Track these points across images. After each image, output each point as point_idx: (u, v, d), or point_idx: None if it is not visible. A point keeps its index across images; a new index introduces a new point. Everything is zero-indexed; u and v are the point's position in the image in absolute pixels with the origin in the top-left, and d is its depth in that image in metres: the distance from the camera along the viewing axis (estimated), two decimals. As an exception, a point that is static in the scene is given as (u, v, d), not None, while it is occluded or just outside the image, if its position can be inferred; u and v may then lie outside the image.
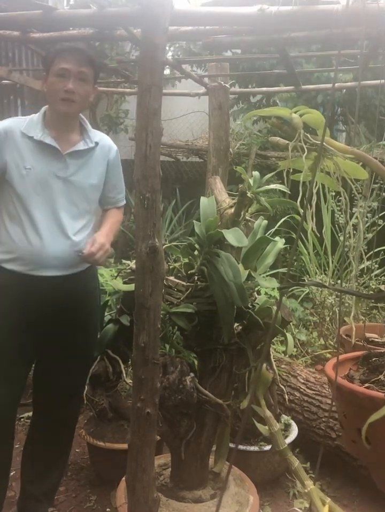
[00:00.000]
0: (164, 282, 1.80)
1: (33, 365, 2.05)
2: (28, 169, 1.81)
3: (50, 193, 1.84)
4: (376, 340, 1.63)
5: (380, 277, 3.77)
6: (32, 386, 2.09)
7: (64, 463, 2.21)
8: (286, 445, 1.73)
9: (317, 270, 4.02)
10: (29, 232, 1.82)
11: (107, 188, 2.04)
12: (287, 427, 2.53)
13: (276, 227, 3.79)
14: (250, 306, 1.81)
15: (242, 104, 5.48)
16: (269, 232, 3.55)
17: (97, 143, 1.94)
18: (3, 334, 1.86)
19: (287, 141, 1.37)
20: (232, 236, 1.65)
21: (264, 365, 1.93)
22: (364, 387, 1.28)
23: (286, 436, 2.43)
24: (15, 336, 1.86)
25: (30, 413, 2.18)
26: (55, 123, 1.87)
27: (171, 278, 1.88)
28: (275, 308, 1.82)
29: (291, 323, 2.52)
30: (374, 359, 1.41)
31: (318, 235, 1.30)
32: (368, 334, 1.66)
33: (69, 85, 1.78)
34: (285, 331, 1.98)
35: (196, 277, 1.79)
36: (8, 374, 1.89)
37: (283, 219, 3.93)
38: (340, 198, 1.36)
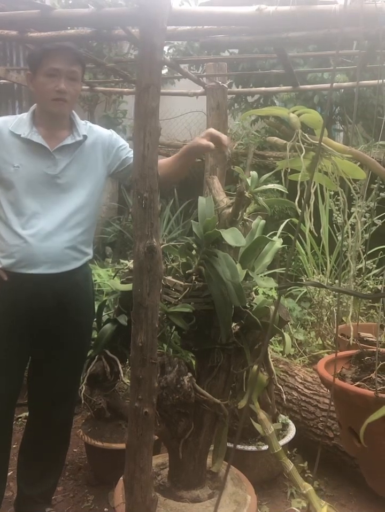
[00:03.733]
0: (162, 282, 1.80)
1: (29, 364, 2.05)
2: (16, 167, 1.80)
3: (40, 191, 1.83)
4: (370, 339, 1.64)
5: (378, 277, 3.78)
6: (27, 385, 2.08)
7: (61, 463, 2.21)
8: (280, 448, 1.72)
9: (315, 270, 4.02)
10: (19, 231, 1.81)
11: (127, 168, 1.97)
12: (285, 427, 2.53)
13: (279, 232, 3.76)
14: (248, 306, 1.81)
15: (241, 103, 5.48)
16: (269, 233, 3.55)
17: (85, 136, 1.91)
18: None
19: (285, 141, 1.37)
20: (230, 236, 1.65)
21: (258, 367, 1.93)
22: (356, 386, 1.28)
23: (284, 436, 2.44)
24: (9, 334, 1.87)
25: (27, 413, 2.17)
26: (45, 121, 1.87)
27: (169, 277, 1.88)
28: (272, 307, 1.83)
29: (288, 323, 2.52)
30: (366, 358, 1.41)
31: (316, 235, 1.30)
32: (362, 334, 1.66)
33: (61, 85, 1.78)
34: (283, 331, 1.99)
35: (194, 277, 1.79)
36: (5, 373, 1.89)
37: (284, 223, 3.91)
38: (338, 198, 1.36)
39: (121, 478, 1.54)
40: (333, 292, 3.54)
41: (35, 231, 1.82)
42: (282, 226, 3.81)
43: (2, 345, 1.87)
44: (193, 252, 1.82)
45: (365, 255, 2.98)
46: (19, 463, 2.13)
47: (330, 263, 3.89)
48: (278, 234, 3.73)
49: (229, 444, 1.98)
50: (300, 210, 1.08)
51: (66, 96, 1.80)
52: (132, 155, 1.95)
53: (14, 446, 2.32)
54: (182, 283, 1.80)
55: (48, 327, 1.92)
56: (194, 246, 1.80)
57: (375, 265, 3.78)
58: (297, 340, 3.71)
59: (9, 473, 2.14)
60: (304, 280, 3.81)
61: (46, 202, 1.84)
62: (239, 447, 2.37)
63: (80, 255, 1.95)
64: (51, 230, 1.84)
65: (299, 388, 2.74)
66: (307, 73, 4.37)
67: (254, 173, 1.89)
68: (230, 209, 1.85)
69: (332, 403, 1.38)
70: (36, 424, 2.10)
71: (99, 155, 1.96)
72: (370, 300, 3.74)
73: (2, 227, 1.84)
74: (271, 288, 3.65)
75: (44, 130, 1.85)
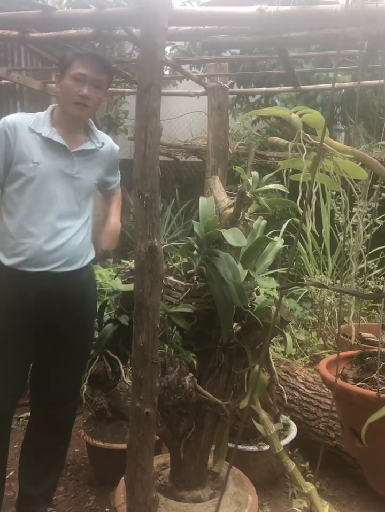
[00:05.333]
0: (163, 282, 1.80)
1: (31, 364, 2.05)
2: (35, 164, 1.83)
3: (54, 189, 1.86)
4: (372, 339, 1.64)
5: (380, 277, 3.77)
6: (30, 385, 2.09)
7: (62, 463, 2.21)
8: (282, 448, 1.72)
9: (316, 270, 4.01)
10: (28, 228, 1.83)
11: (106, 182, 2.12)
12: (286, 427, 2.53)
13: (281, 233, 3.74)
14: (249, 306, 1.81)
15: (242, 103, 5.48)
16: (269, 233, 3.53)
17: (103, 144, 1.99)
18: (2, 332, 1.86)
19: (287, 141, 1.37)
20: (231, 236, 1.65)
21: (259, 367, 1.93)
22: (357, 386, 1.28)
23: (285, 436, 2.44)
24: (13, 333, 1.87)
25: (29, 413, 2.18)
26: (63, 122, 1.91)
27: (170, 278, 1.88)
28: (274, 308, 1.83)
29: (290, 323, 2.52)
30: (367, 358, 1.41)
31: (318, 235, 1.30)
32: (364, 334, 1.66)
33: (84, 90, 1.82)
34: (284, 331, 1.98)
35: (195, 277, 1.78)
36: (7, 372, 1.89)
37: (286, 224, 3.89)
38: (340, 198, 1.36)
39: (122, 478, 1.55)
40: (335, 292, 3.54)
41: (46, 229, 1.84)
42: (284, 226, 3.80)
43: (7, 344, 1.88)
44: (195, 252, 1.82)
45: (366, 255, 2.97)
46: (20, 462, 2.13)
47: (331, 263, 3.89)
48: (280, 234, 3.72)
49: (230, 445, 1.98)
50: (302, 210, 1.08)
51: (88, 102, 1.85)
52: (114, 176, 2.16)
53: (15, 446, 2.32)
54: (183, 283, 1.80)
55: (52, 326, 1.93)
56: (196, 246, 1.80)
57: (376, 265, 3.78)
58: (298, 340, 3.71)
59: (10, 473, 2.15)
60: (305, 281, 3.81)
61: (58, 201, 1.87)
62: (240, 447, 2.36)
63: (86, 254, 1.98)
64: (61, 228, 1.87)
65: (300, 388, 2.74)
66: (309, 73, 4.37)
67: (255, 173, 1.89)
68: (231, 209, 1.85)
69: (334, 403, 1.37)
70: (37, 424, 2.10)
71: (104, 165, 2.04)
72: (372, 300, 3.74)
73: (12, 225, 1.85)
74: (272, 289, 3.65)
75: (63, 131, 1.90)
